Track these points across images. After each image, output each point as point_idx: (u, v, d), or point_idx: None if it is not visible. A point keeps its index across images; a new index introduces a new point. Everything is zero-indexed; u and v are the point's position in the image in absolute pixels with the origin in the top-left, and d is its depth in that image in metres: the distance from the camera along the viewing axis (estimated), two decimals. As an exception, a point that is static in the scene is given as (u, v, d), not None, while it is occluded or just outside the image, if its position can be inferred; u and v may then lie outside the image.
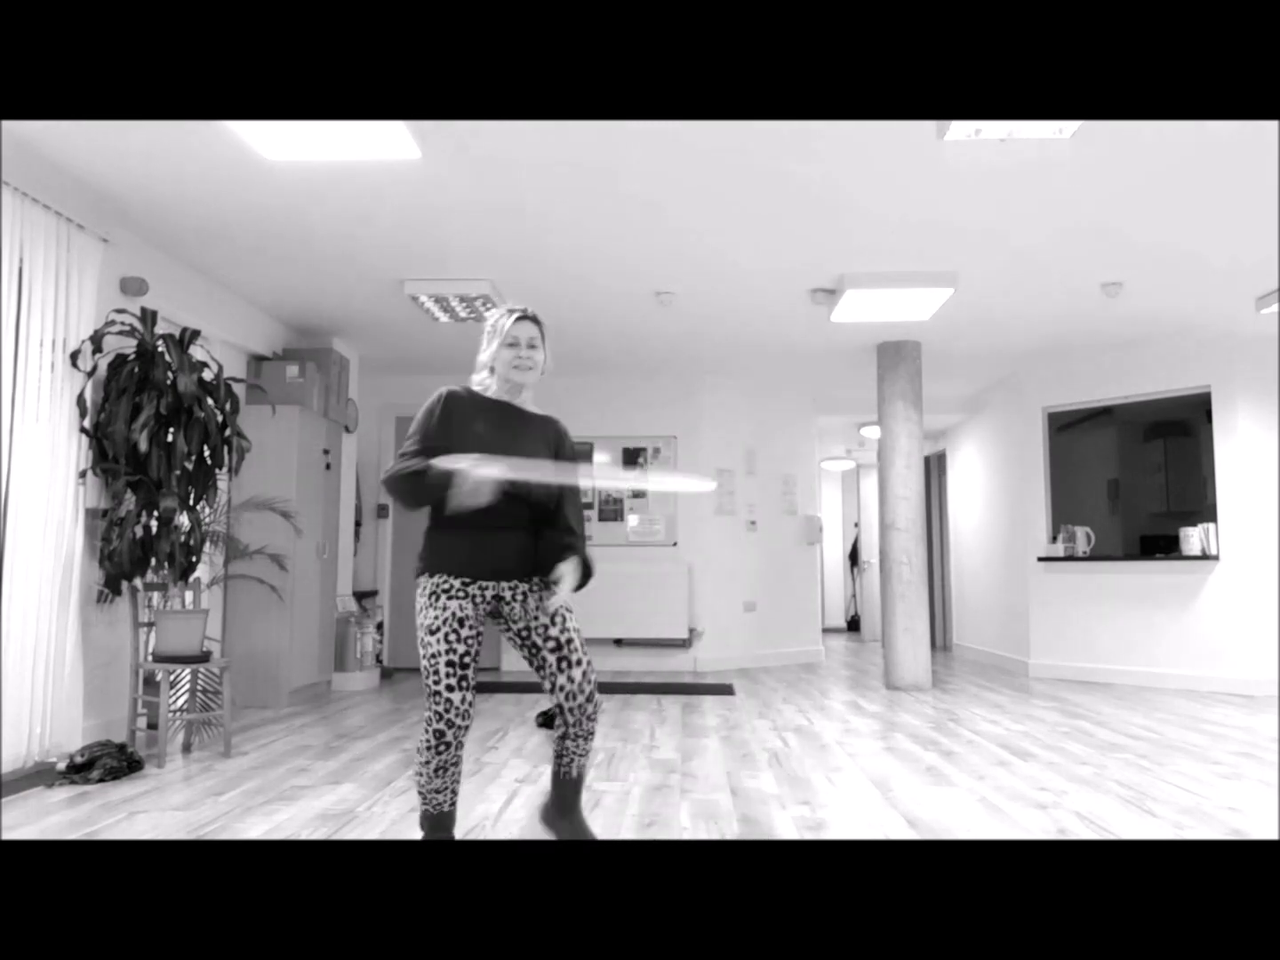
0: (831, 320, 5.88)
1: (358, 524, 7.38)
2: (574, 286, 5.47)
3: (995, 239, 4.68)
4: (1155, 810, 3.13)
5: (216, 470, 4.41)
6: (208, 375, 4.41)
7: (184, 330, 4.33)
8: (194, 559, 4.26)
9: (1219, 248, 4.79)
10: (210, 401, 4.33)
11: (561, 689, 2.40)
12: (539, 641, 2.42)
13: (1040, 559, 7.29)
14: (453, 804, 2.39)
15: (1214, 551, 6.43)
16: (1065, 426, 7.53)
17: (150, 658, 4.20)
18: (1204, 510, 6.79)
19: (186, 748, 4.23)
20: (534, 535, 2.45)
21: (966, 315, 5.98)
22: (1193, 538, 6.50)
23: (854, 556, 12.36)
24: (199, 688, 4.37)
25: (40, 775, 3.60)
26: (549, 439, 2.51)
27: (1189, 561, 6.53)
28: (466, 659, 2.31)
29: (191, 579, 4.32)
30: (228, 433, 4.40)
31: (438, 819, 2.38)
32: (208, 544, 4.51)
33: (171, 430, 4.16)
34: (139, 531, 4.04)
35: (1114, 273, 5.18)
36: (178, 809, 3.15)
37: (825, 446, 10.90)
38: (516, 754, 4.10)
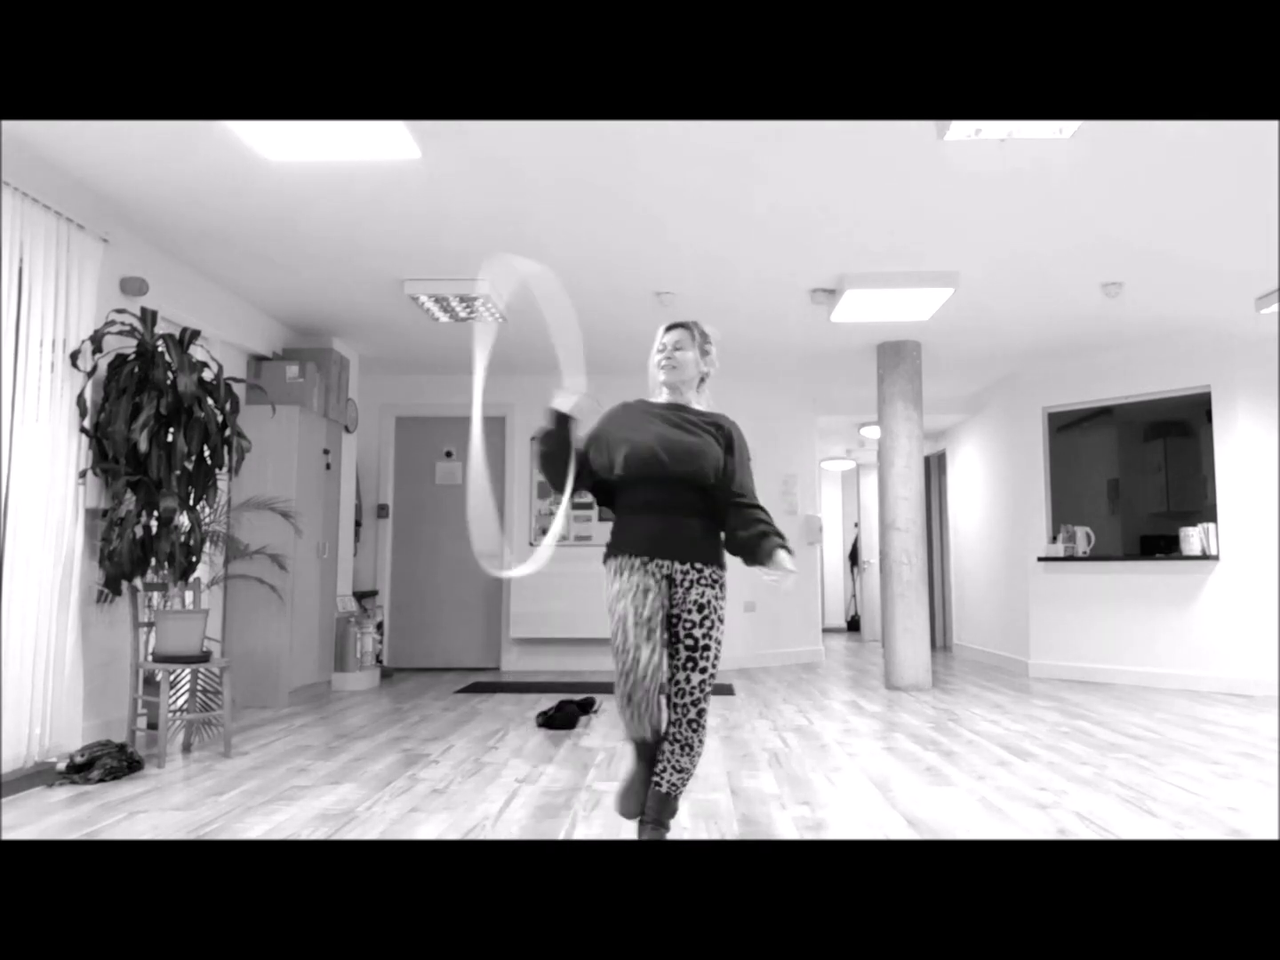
0: (831, 320, 5.87)
1: (358, 524, 7.38)
2: (574, 286, 5.46)
3: (995, 239, 4.68)
4: (1155, 810, 3.13)
5: (216, 470, 4.41)
6: (208, 375, 4.41)
7: (184, 330, 4.33)
8: (194, 559, 4.26)
9: (1218, 248, 4.79)
10: (210, 401, 4.33)
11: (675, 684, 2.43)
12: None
13: (1040, 559, 7.29)
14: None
15: (1214, 551, 6.43)
16: (1065, 426, 7.53)
17: (150, 658, 4.20)
18: (1204, 510, 6.79)
19: (186, 748, 4.23)
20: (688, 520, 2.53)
21: (966, 315, 5.98)
22: (1193, 538, 6.50)
23: (854, 556, 12.36)
24: (199, 688, 4.37)
25: (40, 775, 3.60)
26: (712, 432, 2.68)
27: (1189, 561, 6.53)
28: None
29: (191, 579, 4.32)
30: (228, 433, 4.40)
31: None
32: (208, 544, 4.51)
33: (171, 430, 4.16)
34: (139, 531, 4.04)
35: (1114, 273, 5.18)
36: (178, 809, 3.15)
37: (825, 446, 10.89)
38: (516, 754, 4.10)
